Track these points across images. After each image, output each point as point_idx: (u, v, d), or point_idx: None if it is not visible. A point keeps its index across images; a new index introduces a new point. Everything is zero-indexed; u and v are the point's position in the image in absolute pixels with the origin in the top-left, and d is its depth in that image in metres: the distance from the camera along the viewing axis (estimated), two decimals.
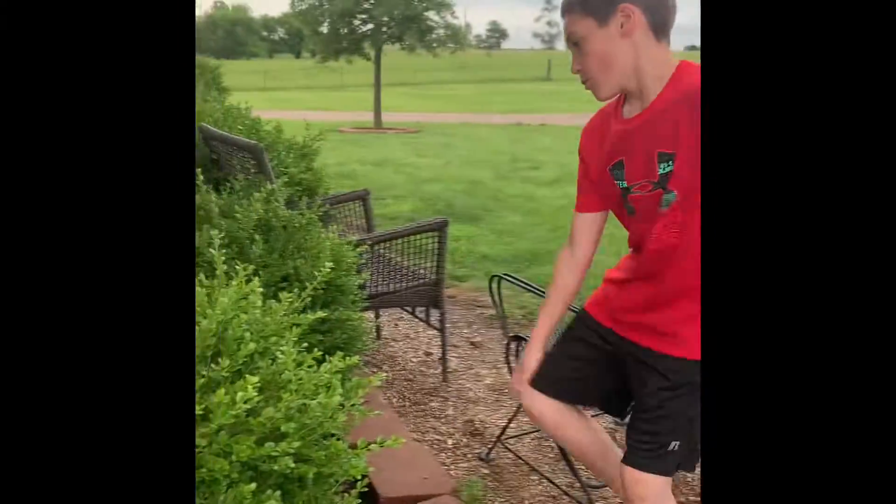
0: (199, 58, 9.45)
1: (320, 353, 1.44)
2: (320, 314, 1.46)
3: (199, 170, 2.31)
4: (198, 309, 1.40)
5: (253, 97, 5.58)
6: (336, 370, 1.28)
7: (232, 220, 2.10)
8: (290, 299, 1.44)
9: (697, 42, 0.96)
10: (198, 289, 1.44)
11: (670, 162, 1.37)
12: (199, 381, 1.19)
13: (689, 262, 1.39)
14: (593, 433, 1.70)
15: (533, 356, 1.69)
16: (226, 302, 1.38)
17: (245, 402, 1.13)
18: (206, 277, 1.66)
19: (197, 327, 1.29)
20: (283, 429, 1.19)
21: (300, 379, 1.23)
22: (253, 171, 2.53)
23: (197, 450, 1.15)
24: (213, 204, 2.18)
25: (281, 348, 1.30)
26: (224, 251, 2.06)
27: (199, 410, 1.13)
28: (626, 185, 1.47)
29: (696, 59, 1.26)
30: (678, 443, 1.46)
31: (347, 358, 1.45)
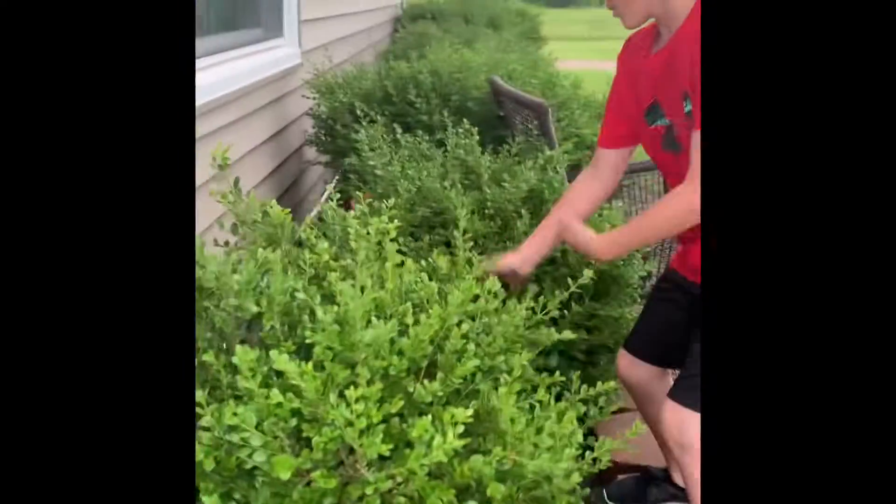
0: (522, 5, 9.37)
1: (563, 379, 1.14)
2: (568, 335, 1.14)
3: (475, 129, 2.09)
4: (419, 302, 1.16)
5: (573, 47, 5.29)
6: (572, 428, 0.96)
7: (500, 189, 1.85)
8: (530, 307, 1.14)
9: None
10: (428, 282, 1.20)
11: (688, 100, 1.33)
12: (398, 405, 0.96)
13: None
14: None
15: (510, 258, 1.50)
16: (456, 299, 1.13)
17: (446, 454, 0.87)
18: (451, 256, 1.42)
19: (412, 330, 1.05)
20: (489, 491, 0.91)
21: (519, 433, 0.93)
22: (535, 132, 2.25)
23: (381, 492, 0.92)
24: (484, 169, 1.94)
25: (502, 376, 1.01)
26: (485, 222, 1.82)
27: (387, 448, 0.90)
28: (668, 122, 1.41)
29: None
30: None
31: (594, 390, 1.14)
